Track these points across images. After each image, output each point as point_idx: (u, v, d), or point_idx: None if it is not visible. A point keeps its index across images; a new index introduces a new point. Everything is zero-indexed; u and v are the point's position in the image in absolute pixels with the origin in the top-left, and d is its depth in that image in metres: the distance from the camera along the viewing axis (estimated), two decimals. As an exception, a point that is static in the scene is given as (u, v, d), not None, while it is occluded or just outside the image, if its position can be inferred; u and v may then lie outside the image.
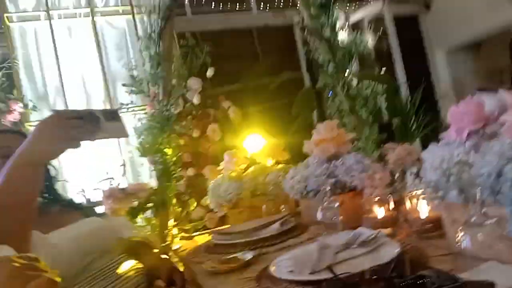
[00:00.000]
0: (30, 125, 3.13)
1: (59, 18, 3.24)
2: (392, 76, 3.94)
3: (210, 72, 2.88)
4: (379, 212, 1.18)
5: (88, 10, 3.27)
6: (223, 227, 1.79)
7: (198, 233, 1.77)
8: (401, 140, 1.82)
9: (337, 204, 1.19)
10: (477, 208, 0.66)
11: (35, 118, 3.17)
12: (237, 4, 5.18)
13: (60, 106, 3.14)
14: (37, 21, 3.21)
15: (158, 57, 1.68)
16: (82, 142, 0.95)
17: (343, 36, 2.64)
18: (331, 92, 2.01)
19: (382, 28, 4.15)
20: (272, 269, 0.94)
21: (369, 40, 3.97)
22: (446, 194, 0.78)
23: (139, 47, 1.94)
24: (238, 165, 1.75)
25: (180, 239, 1.60)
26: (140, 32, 2.94)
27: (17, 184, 0.93)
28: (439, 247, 0.90)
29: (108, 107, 3.11)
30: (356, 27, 4.05)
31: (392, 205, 1.18)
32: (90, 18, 3.26)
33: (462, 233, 0.68)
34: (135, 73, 1.73)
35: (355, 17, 3.98)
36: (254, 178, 1.70)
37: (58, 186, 1.56)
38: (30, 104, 3.00)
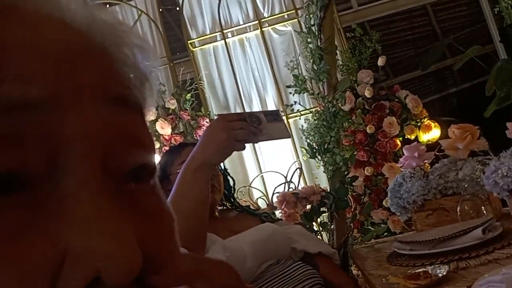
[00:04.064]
0: (216, 137, 3.45)
1: (232, 36, 3.50)
2: None
3: (381, 61, 2.64)
4: None
5: (257, 22, 3.43)
6: (408, 233, 1.56)
7: (379, 239, 1.59)
8: None
9: None
10: None
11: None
12: (407, -17, 4.73)
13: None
14: (215, 42, 3.53)
15: (320, 51, 1.58)
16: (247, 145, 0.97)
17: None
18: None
19: None
20: (476, 293, 0.72)
21: None
22: None
23: (300, 43, 1.87)
24: (422, 160, 1.50)
25: (360, 246, 1.46)
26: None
27: (190, 186, 0.97)
28: None
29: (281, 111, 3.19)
30: None
31: None
32: (259, 29, 3.42)
33: None
34: (297, 72, 1.67)
35: None
36: (443, 174, 1.43)
37: (239, 193, 1.62)
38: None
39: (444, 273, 0.92)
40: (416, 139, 2.45)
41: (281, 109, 3.16)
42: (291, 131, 3.07)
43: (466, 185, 1.35)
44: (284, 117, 3.15)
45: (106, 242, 0.19)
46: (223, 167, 1.39)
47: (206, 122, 3.21)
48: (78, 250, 0.18)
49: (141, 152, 0.24)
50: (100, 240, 0.19)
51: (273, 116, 1.01)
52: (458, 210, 1.32)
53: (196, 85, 3.41)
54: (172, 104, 3.24)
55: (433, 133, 2.38)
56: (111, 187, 0.21)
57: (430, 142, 2.13)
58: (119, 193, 0.21)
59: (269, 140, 1.01)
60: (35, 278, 0.18)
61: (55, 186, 0.19)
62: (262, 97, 3.40)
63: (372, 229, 2.24)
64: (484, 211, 1.30)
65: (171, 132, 3.18)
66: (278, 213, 1.68)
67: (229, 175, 1.46)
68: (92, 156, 0.20)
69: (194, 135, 3.21)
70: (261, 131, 0.95)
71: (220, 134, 0.92)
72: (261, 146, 3.16)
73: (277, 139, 0.99)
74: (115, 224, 0.19)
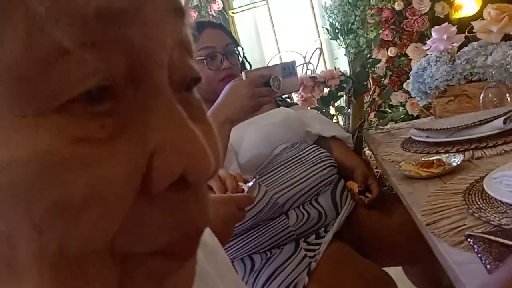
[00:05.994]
0: (233, 13, 3.26)
1: None
2: None
3: None
4: None
5: None
6: (425, 118, 1.54)
7: (395, 125, 1.58)
8: None
9: None
10: None
11: (237, 4, 3.28)
12: None
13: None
14: None
15: None
16: None
17: None
18: None
19: None
20: (488, 185, 0.72)
21: None
22: None
23: None
24: (451, 43, 1.41)
25: (375, 132, 1.46)
26: None
27: None
28: None
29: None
30: None
31: None
32: None
33: None
34: None
35: None
36: (471, 59, 1.35)
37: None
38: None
39: (458, 163, 0.92)
40: (447, 17, 2.28)
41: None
42: (312, 8, 2.87)
43: (493, 71, 1.28)
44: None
45: (190, 143, 0.21)
46: (242, 53, 1.33)
47: (222, -5, 3.01)
48: (168, 151, 0.21)
49: (192, 61, 0.25)
50: (185, 142, 0.21)
51: (289, 69, 1.09)
52: (481, 97, 1.27)
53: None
54: (185, -26, 3.02)
55: (465, 11, 2.20)
56: (176, 96, 0.23)
57: (462, 19, 1.97)
58: (180, 101, 0.23)
59: (281, 95, 1.11)
60: (132, 177, 0.20)
61: (135, 95, 0.21)
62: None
63: (390, 111, 2.23)
64: (508, 99, 1.25)
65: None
66: (294, 97, 1.66)
67: (247, 61, 1.40)
68: (165, 67, 0.22)
69: (209, 10, 3.04)
70: (278, 91, 1.05)
71: (248, 100, 1.03)
72: (280, 24, 2.99)
73: (287, 93, 1.05)
74: (192, 129, 0.22)
